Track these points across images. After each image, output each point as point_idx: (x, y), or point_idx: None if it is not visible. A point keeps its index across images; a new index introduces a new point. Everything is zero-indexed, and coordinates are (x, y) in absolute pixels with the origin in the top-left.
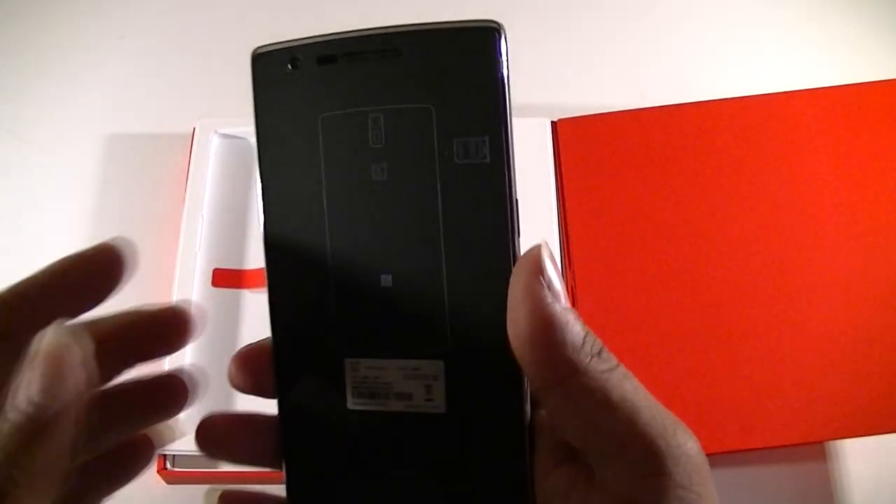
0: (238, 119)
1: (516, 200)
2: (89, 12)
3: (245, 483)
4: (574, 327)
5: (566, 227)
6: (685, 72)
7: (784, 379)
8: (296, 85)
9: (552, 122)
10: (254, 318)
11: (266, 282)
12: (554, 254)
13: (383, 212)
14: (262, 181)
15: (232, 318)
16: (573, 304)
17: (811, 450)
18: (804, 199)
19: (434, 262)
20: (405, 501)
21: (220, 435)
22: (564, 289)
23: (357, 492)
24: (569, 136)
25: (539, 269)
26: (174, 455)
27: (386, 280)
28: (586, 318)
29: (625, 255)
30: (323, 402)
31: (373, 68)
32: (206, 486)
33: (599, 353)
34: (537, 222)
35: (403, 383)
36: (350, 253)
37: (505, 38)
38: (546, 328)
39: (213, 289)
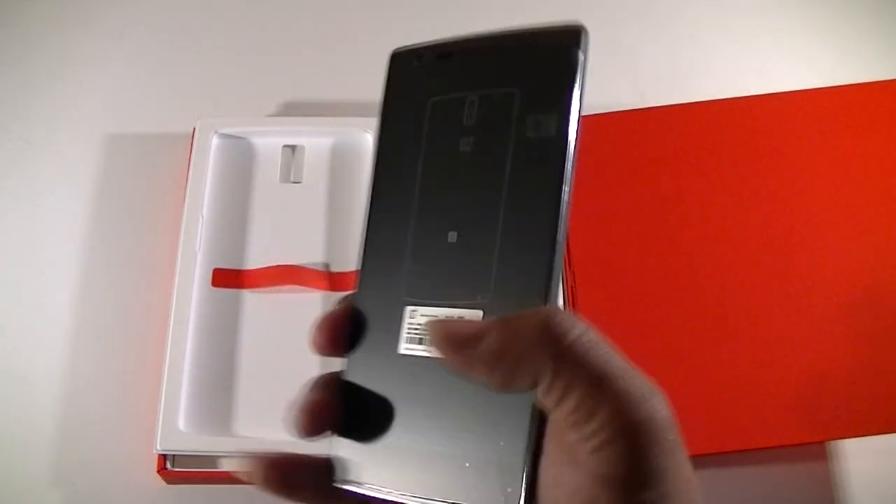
0: (238, 119)
1: (572, 171)
2: (89, 12)
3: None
4: None
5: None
6: (685, 72)
7: (784, 379)
8: (418, 76)
9: None
10: (254, 318)
11: (364, 230)
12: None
13: (462, 177)
14: (376, 153)
15: (232, 318)
16: (573, 304)
17: (811, 450)
18: (804, 199)
19: (492, 221)
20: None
21: (278, 477)
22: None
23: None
24: None
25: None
26: (174, 455)
27: (452, 236)
28: (586, 318)
29: (625, 255)
30: (379, 345)
31: (477, 61)
32: (205, 486)
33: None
34: None
35: None
36: (430, 211)
37: (586, 35)
38: None
39: (213, 289)
